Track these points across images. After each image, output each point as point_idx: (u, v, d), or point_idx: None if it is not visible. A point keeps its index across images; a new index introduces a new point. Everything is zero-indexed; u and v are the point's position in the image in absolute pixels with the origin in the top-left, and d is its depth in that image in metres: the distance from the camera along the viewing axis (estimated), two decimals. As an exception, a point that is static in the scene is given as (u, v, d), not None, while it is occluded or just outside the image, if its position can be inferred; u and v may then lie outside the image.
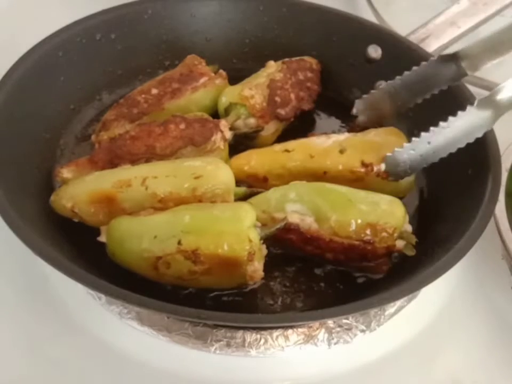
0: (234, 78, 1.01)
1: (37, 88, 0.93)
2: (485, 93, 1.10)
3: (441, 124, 0.83)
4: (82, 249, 0.81)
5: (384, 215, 0.81)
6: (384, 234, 0.80)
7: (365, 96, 0.97)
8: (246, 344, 0.78)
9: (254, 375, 0.80)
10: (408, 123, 0.98)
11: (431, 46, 1.05)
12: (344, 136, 0.92)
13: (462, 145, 0.84)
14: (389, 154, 0.86)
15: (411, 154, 0.85)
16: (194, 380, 0.79)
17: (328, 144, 0.91)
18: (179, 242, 0.75)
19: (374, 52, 1.04)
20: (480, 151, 0.87)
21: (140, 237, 0.77)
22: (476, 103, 0.82)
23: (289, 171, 0.90)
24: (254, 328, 0.78)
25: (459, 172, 0.89)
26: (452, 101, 0.95)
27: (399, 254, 0.84)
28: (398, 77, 0.94)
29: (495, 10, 1.10)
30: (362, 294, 0.77)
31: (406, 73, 0.93)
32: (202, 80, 0.98)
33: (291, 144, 0.92)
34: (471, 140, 0.84)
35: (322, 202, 0.82)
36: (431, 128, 0.84)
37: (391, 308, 0.83)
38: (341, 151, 0.89)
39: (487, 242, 0.83)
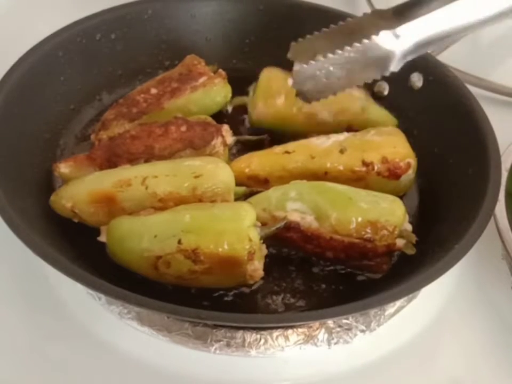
0: (234, 78, 1.01)
1: (37, 88, 0.93)
2: (485, 93, 1.11)
3: (346, 48, 0.83)
4: (82, 249, 0.81)
5: (384, 213, 0.81)
6: (384, 232, 0.80)
7: (300, 40, 0.94)
8: (246, 344, 0.78)
9: (254, 375, 0.80)
10: (408, 123, 0.98)
11: (431, 46, 1.05)
12: (343, 136, 0.92)
13: (368, 77, 0.85)
14: (295, 69, 0.86)
15: (317, 75, 0.85)
16: (194, 379, 0.78)
17: (328, 144, 0.91)
18: (179, 242, 0.75)
19: (374, 52, 1.04)
20: (480, 151, 0.87)
21: (140, 237, 0.77)
22: (379, 33, 0.82)
23: (290, 172, 0.90)
24: (254, 328, 0.78)
25: (459, 172, 0.89)
26: (451, 100, 0.95)
27: (399, 253, 0.84)
28: (332, 25, 0.92)
29: (495, 11, 1.10)
30: (362, 294, 0.77)
31: (341, 22, 0.91)
32: (201, 79, 0.98)
33: (291, 145, 0.92)
34: (376, 76, 0.84)
35: (322, 201, 0.82)
36: (337, 50, 0.84)
37: (391, 308, 0.82)
38: (341, 151, 0.89)
39: (487, 242, 0.83)
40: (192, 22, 1.07)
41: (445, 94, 0.95)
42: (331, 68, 0.85)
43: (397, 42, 0.82)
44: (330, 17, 1.06)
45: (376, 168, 0.88)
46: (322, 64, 0.85)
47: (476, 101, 0.94)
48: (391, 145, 0.89)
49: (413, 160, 0.89)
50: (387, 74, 0.85)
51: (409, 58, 0.84)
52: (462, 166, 0.89)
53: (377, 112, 0.98)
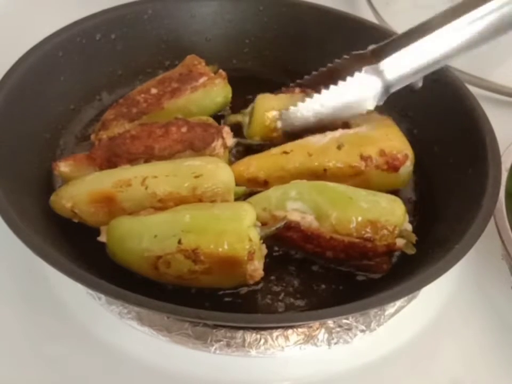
0: (234, 78, 1.01)
1: (37, 88, 0.93)
2: (485, 93, 1.11)
3: (332, 87, 0.89)
4: (82, 249, 0.81)
5: (384, 213, 0.81)
6: (384, 231, 0.80)
7: (291, 84, 1.01)
8: (246, 344, 0.78)
9: (254, 375, 0.80)
10: (408, 123, 0.98)
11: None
12: (339, 133, 0.92)
13: (354, 112, 0.91)
14: (284, 111, 0.92)
15: (304, 114, 0.91)
16: (195, 380, 0.79)
17: (325, 142, 0.91)
18: (179, 242, 0.75)
19: (374, 52, 1.04)
20: (480, 151, 0.88)
21: (140, 237, 0.77)
22: (363, 70, 0.87)
23: (289, 172, 0.90)
24: (254, 328, 0.78)
25: (459, 172, 0.89)
26: (451, 100, 0.95)
27: (399, 253, 0.84)
28: (313, 72, 0.98)
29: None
30: (362, 294, 0.77)
31: (322, 68, 0.98)
32: (201, 80, 0.98)
33: (288, 146, 0.92)
34: (362, 110, 0.90)
35: (323, 200, 0.82)
36: (323, 90, 0.90)
37: (391, 308, 0.83)
38: (339, 147, 0.89)
39: (487, 242, 0.83)
40: (192, 22, 1.07)
41: (445, 94, 0.95)
42: (318, 107, 0.91)
43: (378, 77, 0.88)
44: (330, 17, 1.07)
45: (374, 161, 0.89)
46: (309, 104, 0.91)
47: (476, 101, 0.94)
48: (386, 139, 0.90)
49: (409, 152, 0.90)
50: (372, 108, 0.90)
51: (392, 91, 0.90)
52: (462, 165, 0.89)
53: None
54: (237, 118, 0.99)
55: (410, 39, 0.88)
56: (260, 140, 0.96)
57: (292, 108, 0.92)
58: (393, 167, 0.89)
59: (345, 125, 0.95)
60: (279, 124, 0.94)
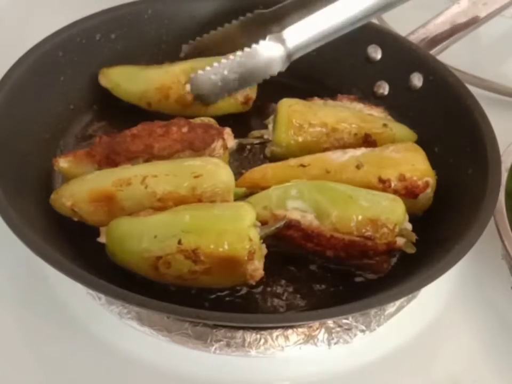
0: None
1: (37, 88, 0.93)
2: (485, 93, 1.11)
3: (238, 53, 0.92)
4: (82, 249, 0.81)
5: (384, 211, 0.81)
6: (384, 230, 0.80)
7: (191, 42, 1.04)
8: (246, 344, 0.78)
9: (254, 375, 0.80)
10: (408, 123, 0.98)
11: (431, 46, 1.05)
12: (360, 151, 0.89)
13: (259, 78, 0.95)
14: (193, 75, 0.95)
15: (213, 80, 0.94)
16: (194, 380, 0.78)
17: (345, 159, 0.88)
18: (179, 242, 0.75)
19: (374, 52, 1.04)
20: (480, 151, 0.88)
21: (140, 237, 0.77)
22: (267, 38, 0.92)
23: None
24: (253, 328, 0.78)
25: (459, 172, 0.89)
26: (451, 100, 0.95)
27: (399, 253, 0.84)
28: (220, 28, 1.02)
29: (495, 10, 1.10)
30: (362, 294, 0.77)
31: (227, 25, 1.02)
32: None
33: (306, 158, 0.90)
34: (266, 76, 0.94)
35: (323, 199, 0.82)
36: (230, 56, 0.93)
37: (391, 308, 0.83)
38: (358, 167, 0.87)
39: (487, 242, 0.83)
40: (192, 22, 1.07)
41: (445, 94, 0.95)
42: (225, 72, 0.94)
43: (282, 45, 0.92)
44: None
45: (392, 185, 0.86)
46: (217, 69, 0.94)
47: (476, 101, 0.94)
48: (409, 163, 0.87)
49: (431, 179, 0.87)
50: (275, 74, 0.94)
51: (294, 58, 0.94)
52: (462, 166, 0.89)
53: (398, 128, 0.95)
54: (261, 132, 0.97)
55: (312, 7, 0.92)
56: (285, 148, 0.93)
57: (200, 72, 0.94)
58: (411, 194, 0.86)
59: (371, 143, 0.93)
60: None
